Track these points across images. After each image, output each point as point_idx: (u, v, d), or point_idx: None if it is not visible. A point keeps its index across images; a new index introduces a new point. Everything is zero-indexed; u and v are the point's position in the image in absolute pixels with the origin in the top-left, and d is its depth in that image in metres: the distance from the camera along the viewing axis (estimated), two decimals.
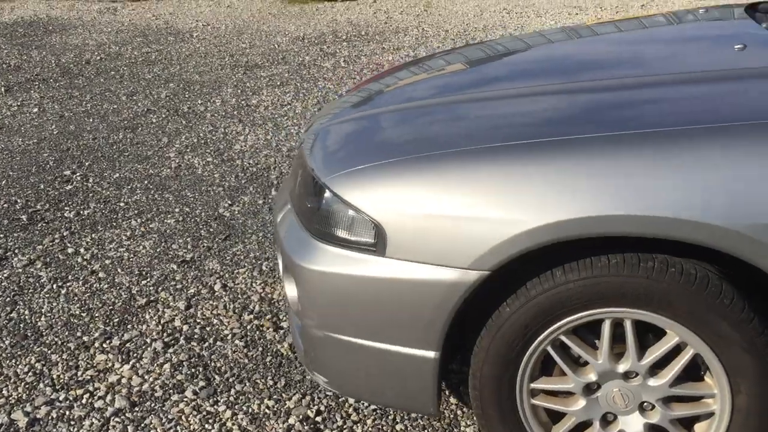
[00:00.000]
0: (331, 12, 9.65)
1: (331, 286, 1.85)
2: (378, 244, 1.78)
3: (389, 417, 2.25)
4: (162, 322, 2.78)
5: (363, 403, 2.31)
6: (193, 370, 2.50)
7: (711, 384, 1.70)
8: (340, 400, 2.33)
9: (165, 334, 2.70)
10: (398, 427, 2.22)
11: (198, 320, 2.79)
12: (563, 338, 1.73)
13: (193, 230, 3.53)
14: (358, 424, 2.23)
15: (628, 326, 1.68)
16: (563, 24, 8.81)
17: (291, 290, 2.09)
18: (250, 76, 6.42)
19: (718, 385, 1.68)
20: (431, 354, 1.78)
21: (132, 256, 3.29)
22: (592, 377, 1.75)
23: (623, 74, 2.08)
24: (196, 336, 2.69)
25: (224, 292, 2.97)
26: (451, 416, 2.24)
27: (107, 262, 3.24)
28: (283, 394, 2.37)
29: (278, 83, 6.16)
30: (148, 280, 3.08)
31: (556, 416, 1.85)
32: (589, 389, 1.77)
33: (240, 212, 3.71)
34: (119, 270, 3.17)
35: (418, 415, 2.25)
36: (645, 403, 1.75)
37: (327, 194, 1.89)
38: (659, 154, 1.55)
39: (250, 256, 3.26)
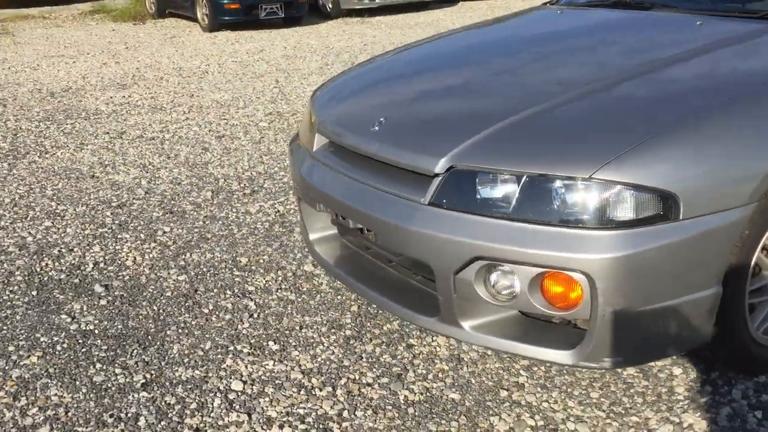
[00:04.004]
0: None
1: (635, 266, 1.99)
2: (671, 211, 2.01)
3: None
4: None
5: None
6: None
7: None
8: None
9: None
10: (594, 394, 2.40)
11: None
12: None
13: (82, 359, 2.70)
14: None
15: None
16: (102, 64, 8.37)
17: (528, 300, 2.10)
18: None
19: None
20: (716, 289, 2.11)
21: (65, 413, 2.40)
22: None
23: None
24: None
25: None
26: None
27: None
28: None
29: None
30: (127, 423, 2.34)
31: None
32: None
33: (98, 316, 2.95)
34: None
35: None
36: None
37: (595, 185, 1.99)
38: None
39: (197, 354, 2.73)
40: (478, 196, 2.15)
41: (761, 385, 2.38)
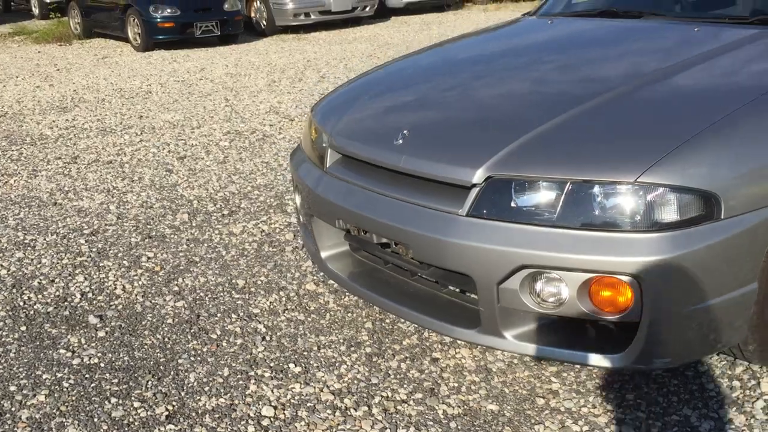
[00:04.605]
0: None
1: (683, 267, 2.02)
2: (713, 211, 2.05)
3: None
4: None
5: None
6: None
7: None
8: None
9: None
10: (629, 396, 2.42)
11: None
12: None
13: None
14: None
15: None
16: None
17: (577, 306, 2.11)
18: None
19: None
20: (755, 285, 2.16)
21: None
22: None
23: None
24: None
25: None
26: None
27: None
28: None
29: None
30: None
31: None
32: None
33: (100, 348, 2.81)
34: None
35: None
36: None
37: (641, 189, 2.02)
38: None
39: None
40: (520, 205, 2.15)
41: None
